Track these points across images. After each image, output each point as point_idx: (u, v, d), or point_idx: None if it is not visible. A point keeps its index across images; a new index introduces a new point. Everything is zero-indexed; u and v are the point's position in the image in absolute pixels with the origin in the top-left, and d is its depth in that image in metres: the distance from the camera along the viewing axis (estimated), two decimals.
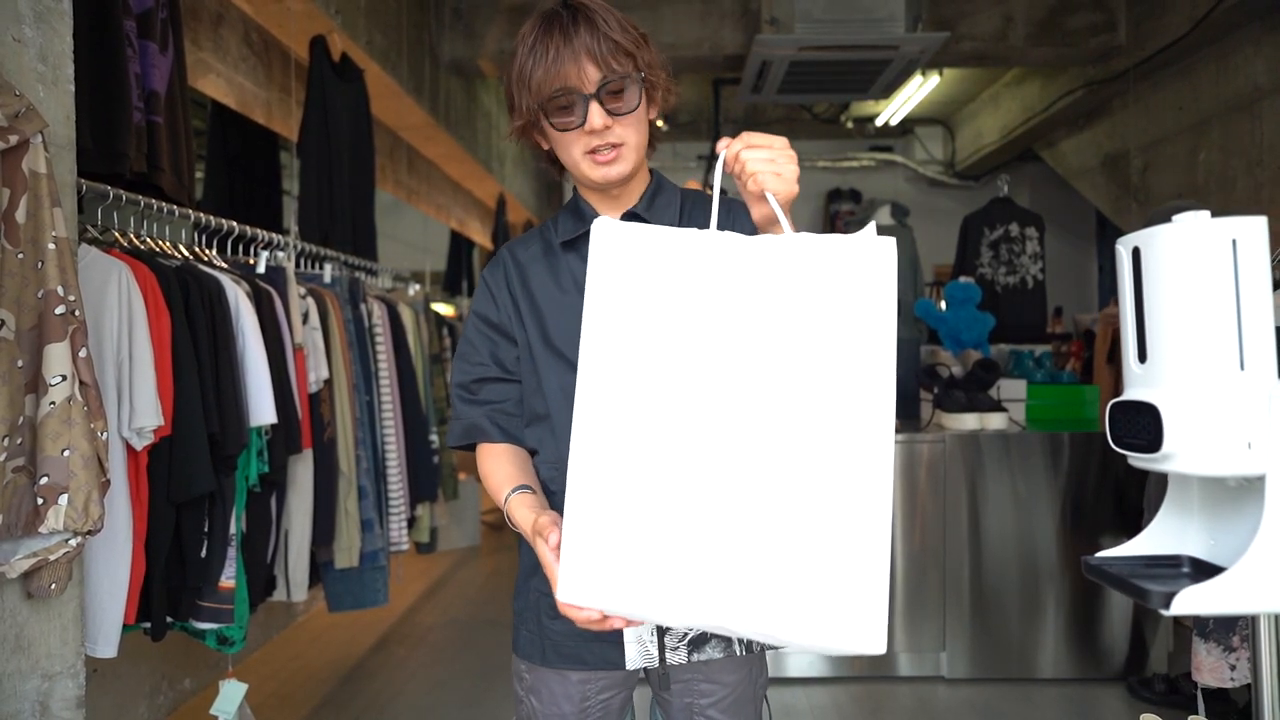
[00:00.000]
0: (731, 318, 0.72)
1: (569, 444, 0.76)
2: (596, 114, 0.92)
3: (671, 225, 1.01)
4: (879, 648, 0.66)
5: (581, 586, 0.72)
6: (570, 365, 0.96)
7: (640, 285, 0.75)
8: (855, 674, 2.74)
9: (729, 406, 0.70)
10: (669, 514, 0.70)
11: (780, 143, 0.83)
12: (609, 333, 0.74)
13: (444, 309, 5.14)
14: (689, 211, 1.06)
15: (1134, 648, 2.68)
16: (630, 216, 1.02)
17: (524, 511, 0.92)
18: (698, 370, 0.71)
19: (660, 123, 1.07)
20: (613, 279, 0.75)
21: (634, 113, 0.95)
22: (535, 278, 1.04)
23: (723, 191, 1.05)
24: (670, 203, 1.05)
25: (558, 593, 0.75)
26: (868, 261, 0.70)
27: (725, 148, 0.82)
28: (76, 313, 1.22)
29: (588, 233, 0.99)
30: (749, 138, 0.82)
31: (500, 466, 1.00)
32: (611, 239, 0.76)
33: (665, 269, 0.74)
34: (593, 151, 0.95)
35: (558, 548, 0.78)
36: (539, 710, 1.06)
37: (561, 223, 1.06)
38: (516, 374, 1.05)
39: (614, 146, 0.95)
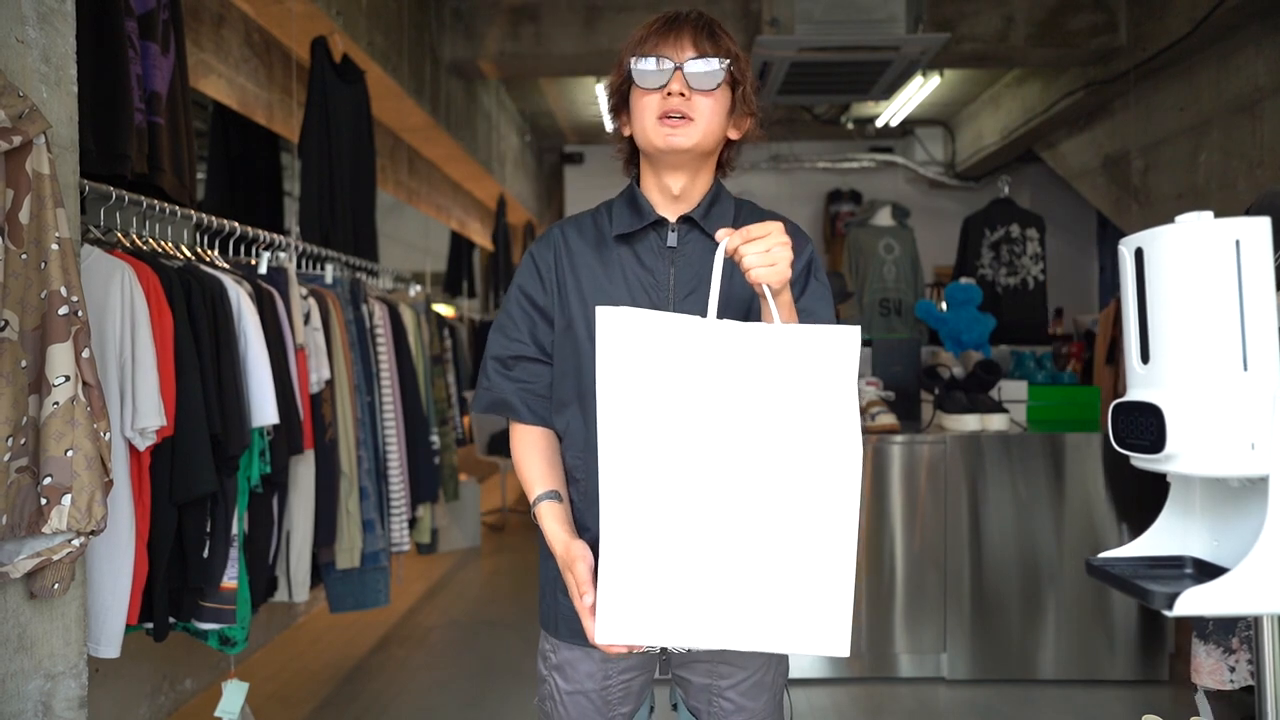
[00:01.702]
0: (727, 390, 0.86)
1: (595, 439, 0.88)
2: (677, 80, 0.99)
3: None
4: (844, 650, 0.86)
5: (618, 628, 0.86)
6: None
7: (646, 364, 0.86)
8: (856, 675, 2.74)
9: (728, 466, 0.85)
10: (684, 558, 0.85)
11: (776, 230, 0.90)
12: (623, 405, 0.85)
13: (445, 310, 5.14)
14: (743, 220, 1.09)
15: (1136, 649, 2.68)
16: (686, 220, 1.05)
17: (554, 526, 1.00)
18: (702, 435, 0.86)
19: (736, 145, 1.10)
20: (621, 359, 0.86)
21: (713, 92, 1.00)
22: (585, 266, 1.06)
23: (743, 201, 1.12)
24: (725, 213, 1.07)
25: (596, 636, 0.87)
26: (836, 346, 0.87)
27: (726, 237, 0.91)
28: (79, 313, 1.22)
29: (644, 229, 1.05)
30: (748, 231, 0.90)
31: (533, 458, 1.06)
32: (617, 325, 0.87)
33: (668, 351, 0.87)
34: (664, 117, 0.99)
35: (588, 583, 0.92)
36: (561, 688, 1.10)
37: (617, 214, 1.07)
38: (551, 357, 1.08)
39: (685, 118, 0.99)
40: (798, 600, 0.85)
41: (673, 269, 1.04)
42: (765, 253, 0.89)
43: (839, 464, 0.86)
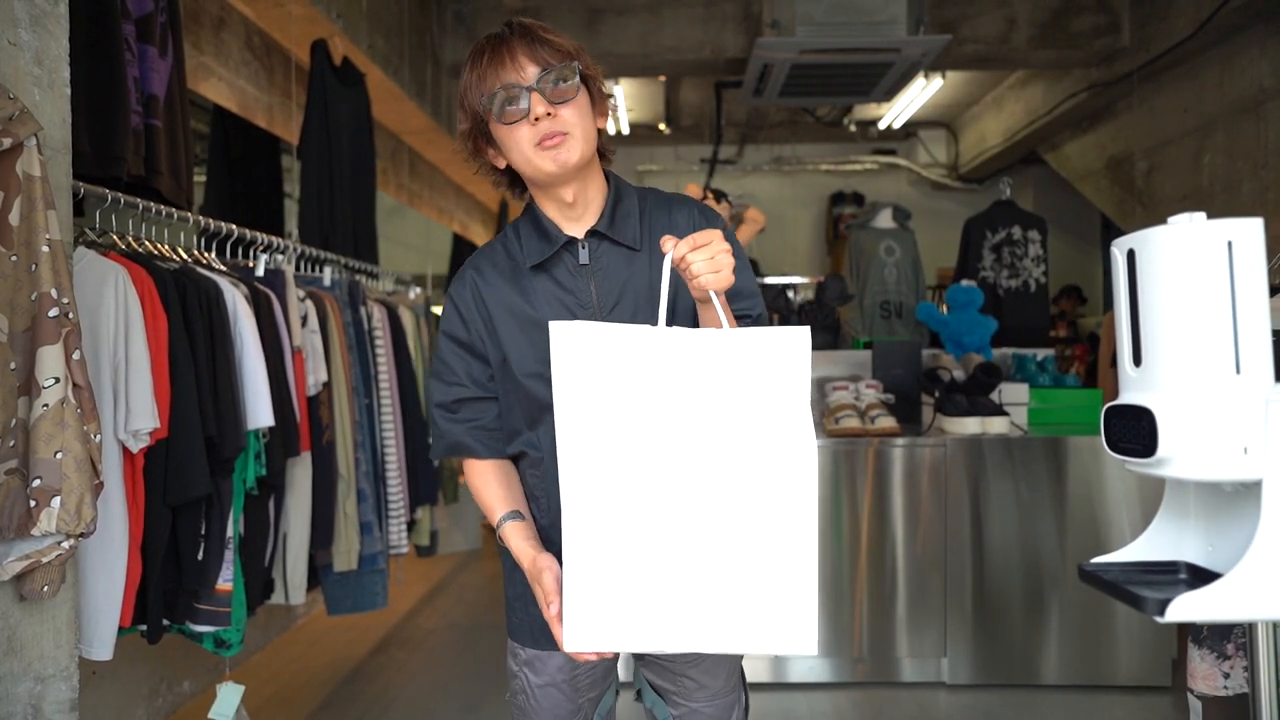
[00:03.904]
0: (682, 396, 0.88)
1: (551, 456, 0.90)
2: (538, 102, 0.97)
3: (634, 237, 1.06)
4: (811, 649, 0.87)
5: (585, 635, 0.87)
6: (548, 383, 0.99)
7: (601, 376, 0.87)
8: (857, 680, 2.72)
9: (687, 471, 0.87)
10: (648, 565, 0.87)
11: (716, 238, 0.92)
12: (580, 418, 0.87)
13: None
14: (649, 214, 1.09)
15: (1138, 655, 2.66)
16: (593, 234, 1.05)
17: (520, 543, 1.02)
18: (659, 442, 0.87)
19: (610, 128, 1.11)
20: (576, 372, 0.87)
21: (575, 100, 0.99)
22: (505, 300, 1.06)
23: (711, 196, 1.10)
24: (630, 212, 1.07)
25: (564, 644, 0.88)
26: (787, 348, 0.88)
27: (672, 248, 0.92)
28: (70, 315, 1.22)
29: (556, 253, 1.05)
30: (693, 240, 0.91)
31: (490, 486, 1.09)
32: (571, 340, 0.88)
33: (622, 361, 0.88)
34: (540, 142, 0.98)
35: (555, 592, 0.94)
36: (532, 681, 1.14)
37: (526, 242, 1.07)
38: (493, 390, 1.09)
39: (561, 134, 0.98)
40: (762, 601, 0.87)
41: (593, 284, 1.05)
42: (710, 260, 0.90)
43: (795, 464, 0.87)
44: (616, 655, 1.13)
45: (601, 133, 1.07)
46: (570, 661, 1.12)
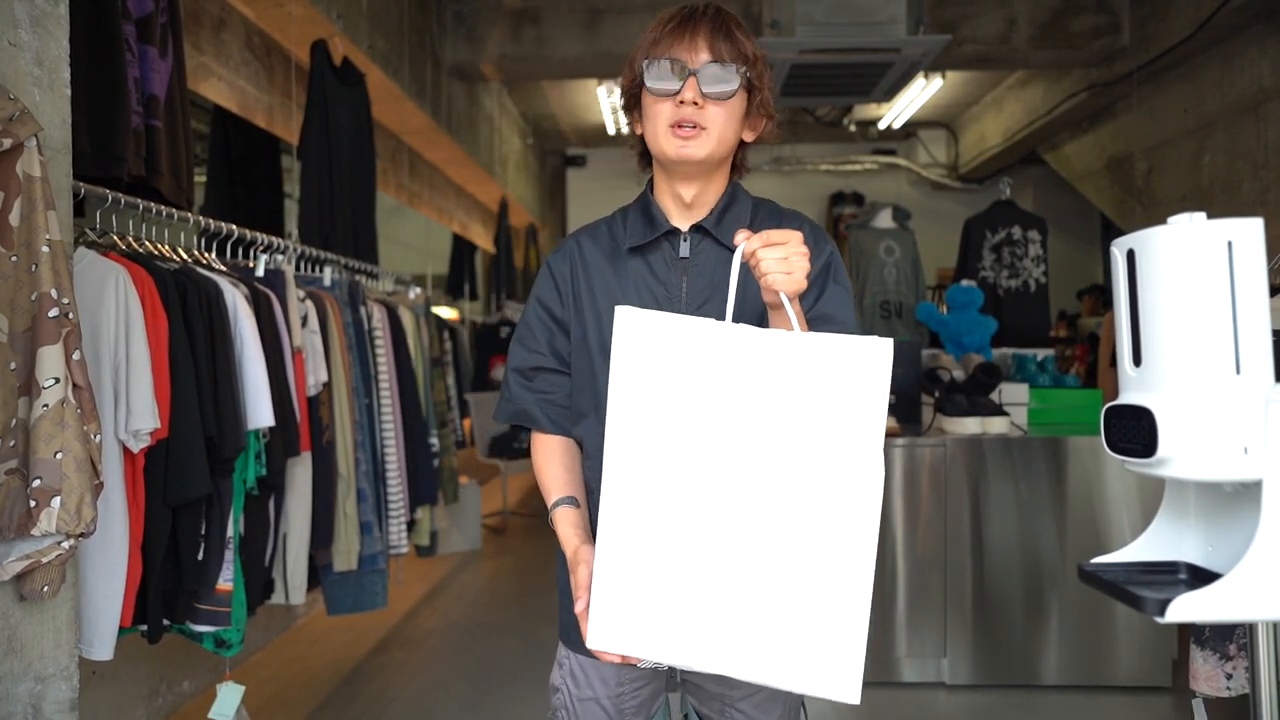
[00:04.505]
0: (743, 402, 0.82)
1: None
2: (691, 88, 0.95)
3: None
4: (854, 697, 0.79)
5: (609, 635, 0.83)
6: None
7: (661, 369, 0.83)
8: None
9: (738, 481, 0.81)
10: (684, 573, 0.81)
11: (795, 239, 0.87)
12: (633, 410, 0.83)
13: (446, 312, 5.14)
14: (760, 221, 1.07)
15: (1139, 655, 2.66)
16: (698, 229, 1.03)
17: (567, 530, 0.99)
18: (712, 447, 0.82)
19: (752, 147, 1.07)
20: (636, 362, 0.83)
21: (728, 101, 0.97)
22: (599, 278, 1.05)
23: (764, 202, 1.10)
24: (740, 217, 1.05)
25: (588, 640, 0.84)
26: (866, 361, 0.81)
27: (745, 240, 0.87)
28: (70, 315, 1.22)
29: (656, 240, 1.04)
30: (768, 236, 0.86)
31: (552, 465, 1.06)
32: (633, 327, 0.84)
33: (685, 355, 0.83)
34: (677, 125, 0.97)
35: (586, 587, 0.89)
36: (573, 693, 1.10)
37: (631, 224, 1.06)
38: (569, 366, 1.07)
39: (698, 127, 0.96)
40: (805, 634, 0.79)
41: (685, 279, 1.03)
42: (783, 260, 0.85)
43: (859, 489, 0.79)
44: (667, 680, 1.10)
45: (744, 146, 1.05)
46: (615, 677, 1.07)
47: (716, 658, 0.81)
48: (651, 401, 0.82)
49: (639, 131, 1.05)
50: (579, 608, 0.89)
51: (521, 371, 1.08)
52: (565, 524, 1.00)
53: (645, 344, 0.83)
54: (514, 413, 1.09)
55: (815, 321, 1.00)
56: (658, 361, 0.83)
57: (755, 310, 1.00)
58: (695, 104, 0.96)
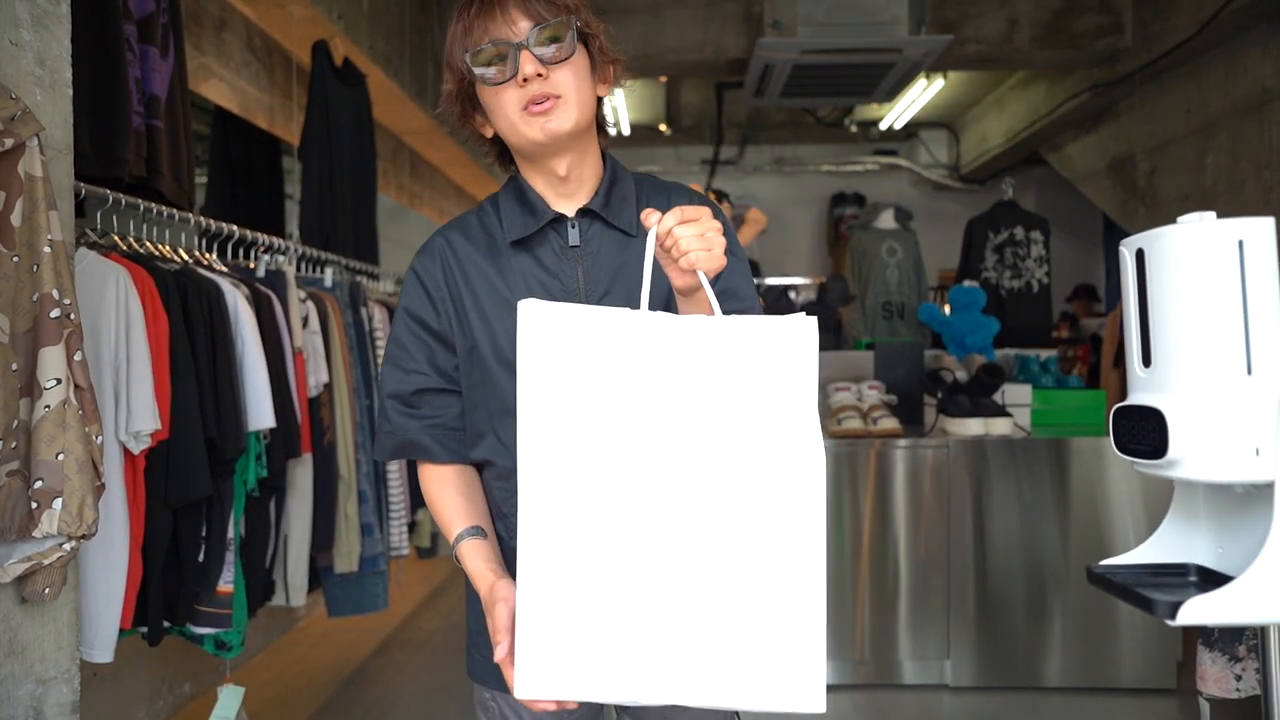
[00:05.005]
0: (668, 397, 0.75)
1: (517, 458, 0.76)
2: (528, 61, 0.86)
3: (630, 222, 0.95)
4: (819, 706, 0.72)
5: (539, 680, 0.73)
6: None
7: (575, 367, 0.75)
8: (859, 682, 2.71)
9: (670, 485, 0.74)
10: (621, 595, 0.73)
11: (706, 214, 0.80)
12: (547, 416, 0.74)
13: None
14: (646, 198, 0.98)
15: (1143, 657, 2.65)
16: (586, 213, 0.94)
17: (478, 564, 0.88)
18: (638, 449, 0.74)
19: (612, 105, 1.01)
20: (546, 362, 0.75)
21: (570, 61, 0.88)
22: (480, 279, 0.93)
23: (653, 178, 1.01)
24: (626, 196, 0.96)
25: (515, 690, 0.74)
26: (792, 341, 0.75)
27: (656, 223, 0.79)
28: (72, 316, 1.21)
29: (541, 230, 0.94)
30: (681, 213, 0.79)
31: (448, 496, 0.94)
32: (541, 321, 0.75)
33: (598, 349, 0.75)
34: (528, 106, 0.87)
35: (506, 630, 0.79)
36: None
37: (507, 215, 0.95)
38: (458, 383, 0.96)
39: (552, 97, 0.87)
40: (758, 645, 0.72)
41: (580, 269, 0.93)
42: (701, 236, 0.78)
43: (800, 479, 0.74)
44: (601, 705, 0.99)
45: (600, 102, 0.95)
46: (551, 717, 0.94)
47: (665, 688, 0.73)
48: (567, 405, 0.74)
49: (488, 133, 0.95)
50: (500, 654, 0.78)
51: (401, 397, 0.95)
52: (475, 558, 0.88)
53: (555, 341, 0.75)
54: (399, 446, 0.95)
55: (720, 297, 0.88)
56: (571, 359, 0.75)
57: (660, 296, 0.91)
58: (540, 75, 0.86)
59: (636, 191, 0.98)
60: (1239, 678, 1.76)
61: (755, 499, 0.73)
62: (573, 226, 0.94)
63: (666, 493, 0.74)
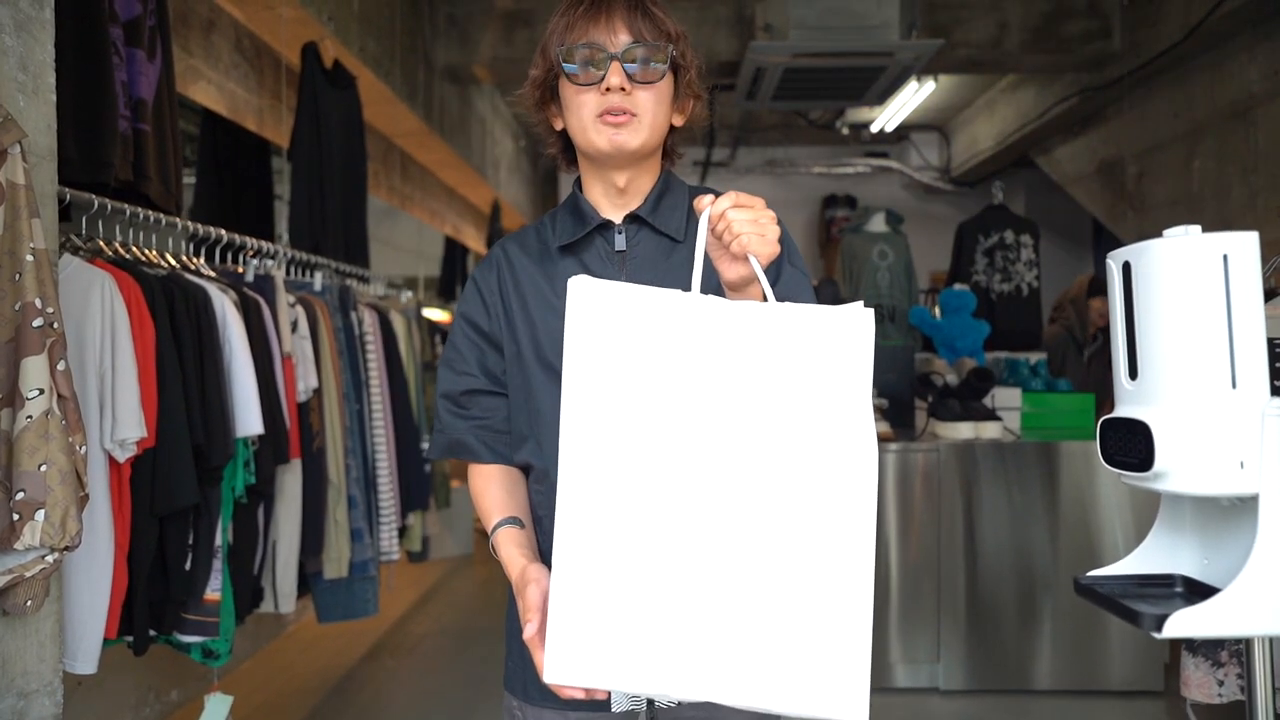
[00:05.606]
0: (717, 383, 0.72)
1: (556, 468, 0.75)
2: (616, 72, 0.88)
3: (678, 228, 0.96)
4: (862, 715, 0.68)
5: (569, 664, 0.70)
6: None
7: (620, 347, 0.73)
8: None
9: (715, 472, 0.71)
10: (657, 586, 0.71)
11: (761, 204, 0.80)
12: (592, 394, 0.73)
13: (439, 315, 5.11)
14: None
15: (1131, 660, 2.67)
16: (633, 219, 0.96)
17: (511, 551, 0.88)
18: (684, 434, 0.72)
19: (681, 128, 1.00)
20: (593, 339, 0.73)
21: (656, 85, 0.90)
22: (529, 283, 0.97)
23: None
24: (677, 204, 0.98)
25: (544, 674, 0.72)
26: (848, 332, 0.72)
27: (710, 204, 0.79)
28: (55, 325, 1.20)
29: (588, 235, 0.96)
30: (736, 197, 0.79)
31: (490, 491, 0.96)
32: (589, 298, 0.74)
33: (646, 330, 0.73)
34: (605, 114, 0.90)
35: (537, 609, 0.78)
36: None
37: (560, 223, 0.98)
38: (505, 386, 0.99)
39: (628, 114, 0.90)
40: (800, 647, 0.69)
41: (624, 274, 0.95)
42: (754, 221, 0.77)
43: (852, 475, 0.71)
44: None
45: (674, 130, 0.98)
46: None
47: (699, 683, 0.69)
48: (612, 384, 0.72)
49: (558, 127, 0.97)
50: (529, 633, 0.76)
51: (452, 398, 0.98)
52: (509, 544, 0.88)
53: (603, 318, 0.73)
54: (449, 445, 0.99)
55: None
56: (618, 338, 0.73)
57: (709, 289, 0.90)
58: (623, 89, 0.88)
59: (689, 201, 0.99)
60: (1221, 683, 1.77)
61: (804, 494, 0.71)
62: (619, 232, 0.97)
63: (711, 481, 0.71)
